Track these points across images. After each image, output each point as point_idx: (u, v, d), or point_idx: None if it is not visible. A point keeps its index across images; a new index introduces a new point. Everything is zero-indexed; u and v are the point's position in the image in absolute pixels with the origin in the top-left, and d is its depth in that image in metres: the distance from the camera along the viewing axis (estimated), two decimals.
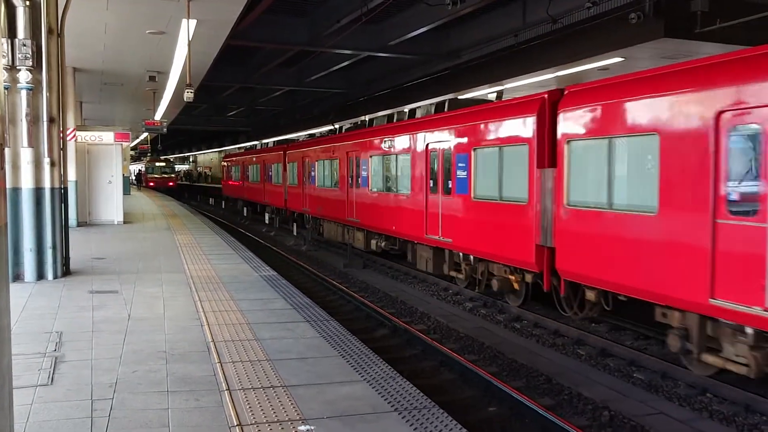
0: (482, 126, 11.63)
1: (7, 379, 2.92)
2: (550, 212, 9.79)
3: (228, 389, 5.23)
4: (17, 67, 9.45)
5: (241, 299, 8.80)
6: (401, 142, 15.08)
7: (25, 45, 9.40)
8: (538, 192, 10.07)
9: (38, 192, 9.96)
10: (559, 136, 9.56)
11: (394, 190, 15.57)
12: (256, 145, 37.11)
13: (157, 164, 62.99)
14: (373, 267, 17.53)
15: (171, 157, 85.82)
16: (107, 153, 19.80)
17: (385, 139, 15.97)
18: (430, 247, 13.83)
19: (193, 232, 18.23)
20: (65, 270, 10.59)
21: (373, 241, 17.42)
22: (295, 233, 25.27)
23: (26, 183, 9.87)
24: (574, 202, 9.29)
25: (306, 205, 23.59)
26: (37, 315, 7.81)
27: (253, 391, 5.19)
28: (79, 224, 18.14)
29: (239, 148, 50.96)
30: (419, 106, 15.31)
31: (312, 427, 4.50)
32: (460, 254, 12.86)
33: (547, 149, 10.01)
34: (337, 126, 23.64)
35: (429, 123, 13.89)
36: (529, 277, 10.78)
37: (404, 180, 14.98)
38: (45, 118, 9.81)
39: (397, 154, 15.32)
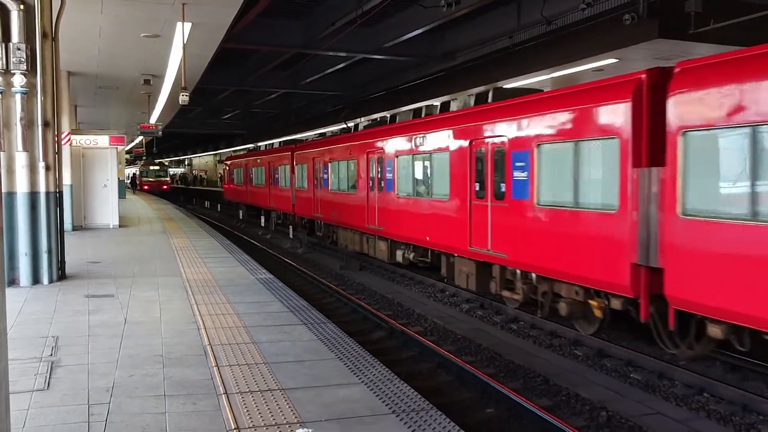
0: (549, 117, 9.63)
1: (4, 384, 2.91)
2: (655, 223, 7.83)
3: (225, 393, 5.21)
4: (11, 71, 9.44)
5: (238, 302, 8.78)
6: (436, 139, 13.07)
7: (19, 49, 9.38)
8: (635, 197, 8.06)
9: (33, 196, 9.93)
10: (670, 126, 7.51)
11: (428, 194, 13.60)
12: (259, 146, 35.44)
13: (152, 168, 63.08)
14: (369, 269, 17.52)
15: (166, 160, 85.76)
16: (102, 157, 19.75)
17: (416, 136, 13.94)
18: (473, 262, 11.99)
19: (189, 235, 18.19)
20: (61, 274, 10.55)
21: (399, 252, 15.44)
22: (291, 236, 25.25)
23: (21, 187, 9.84)
24: (697, 210, 7.23)
25: (317, 210, 21.48)
26: (32, 320, 7.77)
27: (250, 395, 5.18)
28: (75, 228, 18.08)
29: (243, 149, 48.38)
30: (454, 98, 13.57)
31: (310, 430, 4.49)
32: (517, 271, 10.80)
33: (646, 143, 8.02)
34: (351, 124, 21.73)
35: (473, 116, 11.90)
36: (617, 303, 8.73)
37: (441, 183, 13.00)
38: (40, 122, 9.79)
39: (431, 153, 13.34)
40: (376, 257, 16.97)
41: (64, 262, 10.81)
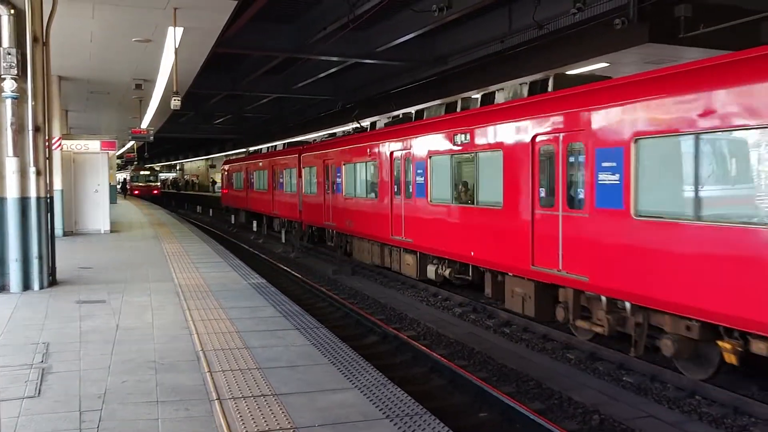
0: (659, 103, 7.51)
1: None
2: None
3: (218, 398, 5.20)
4: (2, 76, 9.40)
5: (230, 307, 8.76)
6: (484, 135, 11.21)
7: (9, 54, 9.34)
8: None
9: (24, 201, 9.87)
10: None
11: (472, 201, 11.75)
12: (261, 149, 33.34)
13: (142, 173, 63.11)
14: (361, 274, 17.51)
15: (157, 165, 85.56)
16: (93, 162, 19.67)
17: (455, 132, 12.05)
18: (532, 282, 10.07)
19: (181, 240, 18.13)
20: (52, 280, 10.49)
21: (431, 268, 13.58)
22: (283, 240, 25.20)
23: (11, 192, 9.78)
24: None
25: (329, 218, 19.44)
26: (23, 326, 7.72)
27: (243, 400, 5.16)
28: (66, 234, 17.99)
29: (243, 152, 45.40)
30: (500, 89, 11.69)
31: None
32: (601, 298, 8.71)
33: None
34: (366, 123, 20.08)
35: (536, 106, 9.89)
36: (762, 347, 6.74)
37: (490, 188, 11.06)
38: (30, 127, 9.74)
39: (476, 152, 11.45)
40: (400, 272, 15.09)
41: (55, 268, 10.75)
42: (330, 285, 15.93)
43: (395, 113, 20.00)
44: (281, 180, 25.41)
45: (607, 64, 14.40)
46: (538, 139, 9.65)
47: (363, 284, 16.00)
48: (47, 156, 10.26)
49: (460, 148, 11.95)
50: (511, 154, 10.29)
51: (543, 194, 9.63)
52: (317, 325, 7.85)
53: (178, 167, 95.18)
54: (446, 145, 12.41)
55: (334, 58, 22.09)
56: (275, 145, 31.38)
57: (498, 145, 10.70)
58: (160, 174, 79.68)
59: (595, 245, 8.55)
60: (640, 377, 8.41)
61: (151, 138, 25.88)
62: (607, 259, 8.34)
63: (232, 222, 35.35)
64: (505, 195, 10.49)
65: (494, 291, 11.45)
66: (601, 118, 8.44)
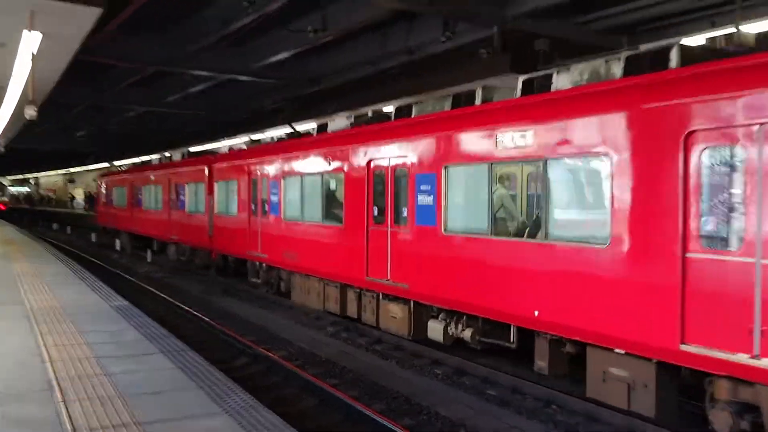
0: None
1: None
2: None
3: (73, 430, 4.87)
4: None
5: (89, 331, 8.24)
6: (548, 135, 7.78)
7: None
8: None
9: None
10: None
11: (543, 235, 7.88)
12: (152, 159, 28.86)
13: None
14: (232, 293, 17.09)
15: (9, 178, 79.22)
16: None
17: (499, 131, 8.43)
18: (654, 364, 6.80)
19: (34, 260, 16.84)
20: None
21: (436, 326, 9.87)
22: (149, 260, 24.09)
23: None
24: None
25: (256, 247, 15.60)
26: None
27: (102, 431, 4.86)
28: None
29: (129, 163, 39.68)
30: (537, 76, 8.61)
31: None
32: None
33: None
34: (306, 127, 16.91)
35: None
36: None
37: (583, 211, 7.92)
38: None
39: (548, 159, 7.80)
40: (378, 328, 11.40)
41: None
42: (199, 305, 15.39)
43: (363, 110, 14.79)
44: (182, 197, 21.33)
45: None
46: (699, 139, 6.29)
47: (234, 304, 15.62)
48: None
49: (505, 154, 8.62)
50: (634, 159, 6.85)
51: (698, 227, 6.31)
52: (184, 348, 7.57)
53: (32, 181, 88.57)
54: (473, 150, 9.08)
55: (207, 74, 21.59)
56: (169, 156, 26.84)
57: (578, 151, 7.57)
58: (10, 188, 73.82)
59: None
60: (503, 390, 8.82)
61: (2, 149, 23.94)
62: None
63: (93, 240, 33.03)
64: (631, 225, 6.90)
65: (551, 364, 8.29)
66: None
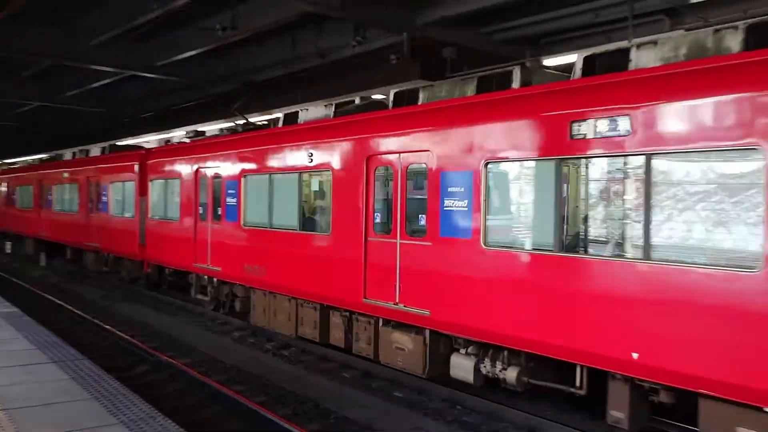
0: None
1: None
2: None
3: None
4: None
5: None
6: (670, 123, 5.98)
7: None
8: None
9: None
10: None
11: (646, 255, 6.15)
12: (61, 154, 25.10)
13: None
14: (133, 299, 16.42)
15: None
16: None
17: (598, 121, 6.50)
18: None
19: None
20: None
21: (462, 362, 8.10)
22: (42, 263, 22.78)
23: None
24: None
25: (205, 259, 13.23)
26: None
27: None
28: None
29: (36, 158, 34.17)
30: (609, 50, 7.35)
31: None
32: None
33: None
34: (271, 117, 14.54)
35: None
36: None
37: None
38: None
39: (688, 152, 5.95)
40: (380, 362, 9.40)
41: None
42: (97, 311, 14.69)
43: (349, 98, 13.84)
44: (104, 198, 18.65)
45: (383, 97, 15.26)
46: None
47: (136, 310, 15.02)
48: None
49: (617, 146, 6.60)
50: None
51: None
52: (79, 357, 7.22)
53: None
54: (521, 145, 7.32)
55: (108, 69, 20.67)
56: (87, 149, 23.73)
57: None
58: None
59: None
60: (410, 391, 8.94)
61: None
62: None
63: (7, 251, 28.52)
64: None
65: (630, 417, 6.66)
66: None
